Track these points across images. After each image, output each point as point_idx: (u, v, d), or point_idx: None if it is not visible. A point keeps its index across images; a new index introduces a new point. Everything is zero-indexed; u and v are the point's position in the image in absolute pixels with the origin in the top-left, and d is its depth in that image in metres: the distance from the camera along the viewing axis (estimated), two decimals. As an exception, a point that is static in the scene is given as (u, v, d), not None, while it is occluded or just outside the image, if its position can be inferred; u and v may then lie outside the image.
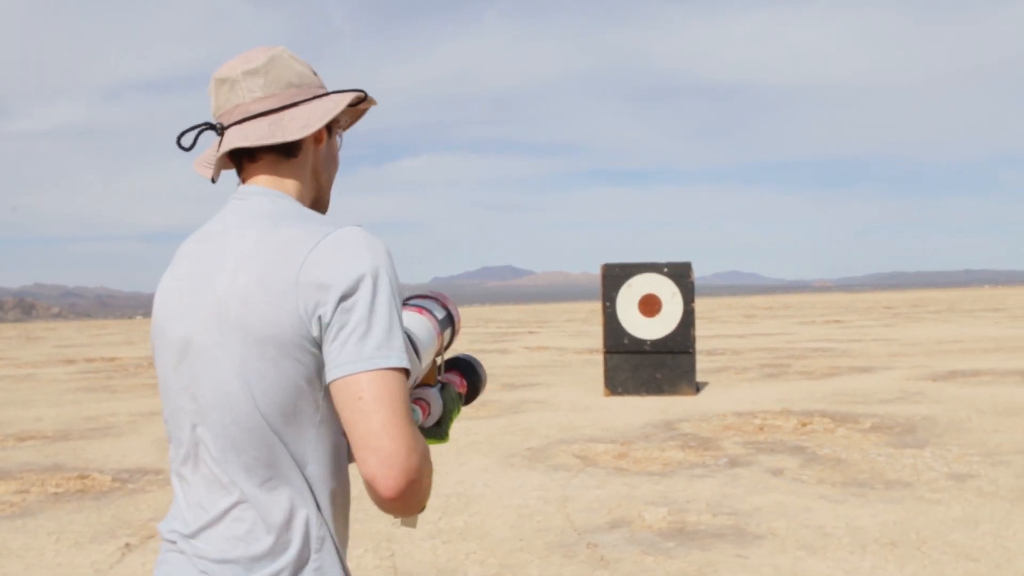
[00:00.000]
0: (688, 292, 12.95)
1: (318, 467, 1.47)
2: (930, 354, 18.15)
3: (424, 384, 1.71)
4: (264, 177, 1.56)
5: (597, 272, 13.62)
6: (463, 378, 1.81)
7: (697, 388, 12.96)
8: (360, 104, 1.67)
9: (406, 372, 1.40)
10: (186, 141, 1.57)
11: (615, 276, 13.16)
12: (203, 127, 1.58)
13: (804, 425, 9.49)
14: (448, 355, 1.89)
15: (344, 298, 1.38)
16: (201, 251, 1.53)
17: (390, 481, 1.34)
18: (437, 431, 1.69)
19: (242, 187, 1.57)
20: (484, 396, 12.88)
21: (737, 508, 6.26)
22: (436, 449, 8.76)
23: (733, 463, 7.72)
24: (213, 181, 1.60)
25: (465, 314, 71.68)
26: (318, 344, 1.41)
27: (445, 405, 1.70)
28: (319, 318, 1.39)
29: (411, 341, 1.59)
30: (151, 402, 13.80)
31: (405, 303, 1.73)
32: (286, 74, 1.56)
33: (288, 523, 1.45)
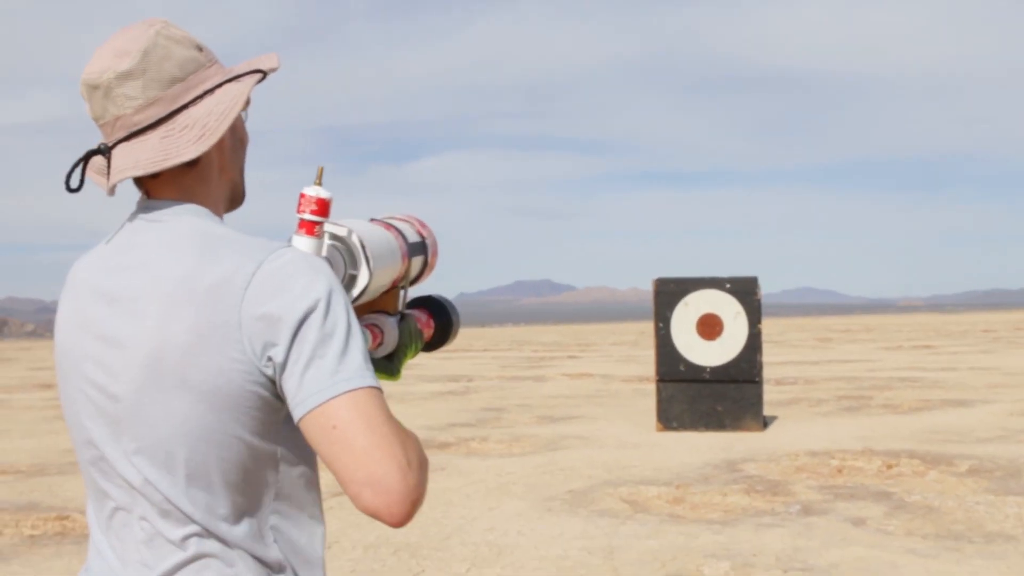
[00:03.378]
0: (754, 312, 12.91)
1: (281, 519, 1.53)
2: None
3: (381, 310, 1.77)
4: (171, 191, 1.57)
5: (647, 288, 13.62)
6: (431, 317, 1.86)
7: (764, 423, 12.90)
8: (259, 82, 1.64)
9: (379, 390, 1.44)
10: (74, 181, 1.56)
11: (670, 293, 13.14)
12: (87, 158, 1.57)
13: (889, 467, 9.43)
14: (420, 292, 1.94)
15: (297, 330, 1.40)
16: (114, 288, 1.53)
17: (393, 509, 1.37)
18: (388, 365, 1.75)
19: (150, 205, 1.56)
20: (518, 430, 12.91)
21: (811, 563, 6.22)
22: (463, 492, 8.78)
23: (807, 511, 7.68)
24: (111, 195, 1.57)
25: (496, 335, 71.80)
26: (272, 385, 1.45)
27: (401, 337, 1.76)
28: (269, 359, 1.42)
29: (363, 248, 1.66)
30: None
31: (374, 219, 1.79)
32: (166, 68, 1.52)
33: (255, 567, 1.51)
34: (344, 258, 1.67)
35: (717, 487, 8.71)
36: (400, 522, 1.38)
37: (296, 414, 1.41)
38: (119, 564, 1.54)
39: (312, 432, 1.40)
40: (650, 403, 14.51)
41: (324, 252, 1.65)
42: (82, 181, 1.57)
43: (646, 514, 7.73)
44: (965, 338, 43.45)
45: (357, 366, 1.42)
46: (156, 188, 1.57)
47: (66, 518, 8.10)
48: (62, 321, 1.61)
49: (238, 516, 1.50)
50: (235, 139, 1.64)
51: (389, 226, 1.80)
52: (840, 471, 9.34)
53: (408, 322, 1.79)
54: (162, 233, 1.52)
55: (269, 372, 1.43)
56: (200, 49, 1.57)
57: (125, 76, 1.51)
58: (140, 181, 1.59)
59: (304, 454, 1.55)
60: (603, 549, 6.69)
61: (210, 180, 1.60)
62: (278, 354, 1.41)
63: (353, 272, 1.67)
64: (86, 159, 1.57)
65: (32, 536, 7.56)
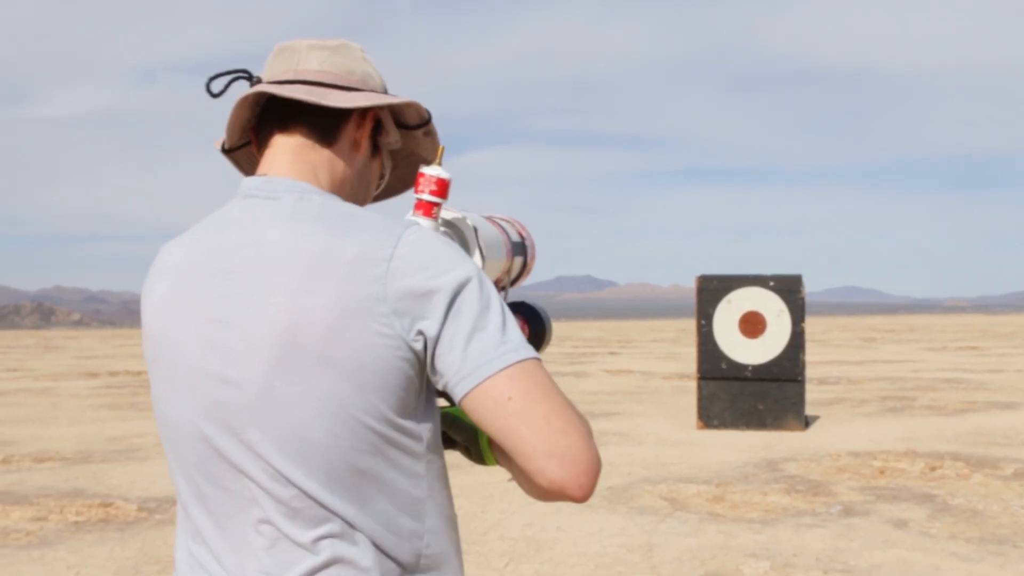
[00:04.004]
0: (798, 310, 12.83)
1: (421, 504, 1.43)
2: (1085, 389, 17.69)
3: None
4: (291, 163, 1.52)
5: (690, 285, 13.56)
6: (525, 323, 1.81)
7: (806, 422, 12.81)
8: (418, 128, 1.62)
9: (538, 360, 1.38)
10: (216, 87, 1.55)
11: (712, 290, 13.09)
12: (238, 74, 1.55)
13: (933, 469, 9.33)
14: (513, 297, 1.91)
15: (451, 302, 1.34)
16: (229, 265, 1.43)
17: (582, 480, 1.32)
18: None
19: (266, 182, 1.50)
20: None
21: (852, 565, 6.17)
22: (502, 487, 8.80)
23: (848, 512, 7.62)
24: (224, 150, 1.58)
25: (536, 330, 71.70)
26: (418, 363, 1.37)
27: None
28: (419, 332, 1.35)
29: (476, 237, 1.64)
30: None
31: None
32: (352, 63, 1.57)
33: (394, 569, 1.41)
34: (457, 244, 1.65)
35: (757, 486, 8.66)
36: (587, 495, 1.32)
37: (460, 389, 1.34)
38: None
39: (482, 406, 1.33)
40: (691, 400, 14.46)
41: (444, 234, 1.62)
42: (224, 89, 1.55)
43: (686, 512, 7.70)
44: (1012, 339, 42.91)
45: (520, 337, 1.36)
46: (281, 161, 1.52)
47: (110, 505, 8.21)
48: (157, 308, 1.49)
49: (379, 511, 1.39)
50: (367, 169, 1.60)
51: (494, 222, 1.77)
52: (883, 472, 9.26)
53: None
54: (281, 208, 1.45)
55: (418, 347, 1.35)
56: (382, 80, 1.62)
57: (318, 47, 1.56)
58: (262, 142, 1.56)
59: (438, 442, 1.47)
60: (642, 547, 6.68)
61: (337, 168, 1.54)
62: (430, 328, 1.34)
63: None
64: (236, 74, 1.56)
65: (76, 523, 7.67)
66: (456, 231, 1.65)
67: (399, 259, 1.35)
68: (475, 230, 1.64)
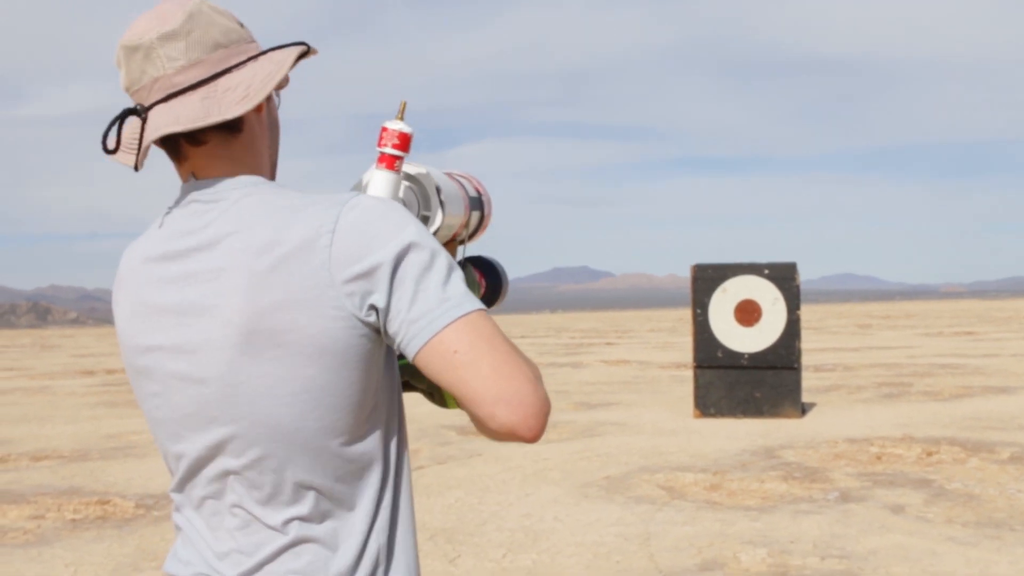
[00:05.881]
0: (793, 298, 12.84)
1: (383, 471, 1.51)
2: (1081, 372, 17.72)
3: None
4: (221, 164, 1.53)
5: (685, 275, 13.58)
6: (482, 276, 1.87)
7: (803, 409, 12.83)
8: (302, 57, 1.60)
9: (487, 311, 1.44)
10: (111, 142, 1.52)
11: (708, 279, 13.09)
12: (123, 116, 1.52)
13: (930, 455, 9.35)
14: (471, 251, 1.95)
15: (394, 272, 1.40)
16: (186, 271, 1.49)
17: (531, 422, 1.38)
18: None
19: (203, 183, 1.52)
20: (555, 417, 12.92)
21: (849, 550, 6.19)
22: (499, 478, 8.81)
23: (845, 498, 7.64)
24: (136, 169, 1.54)
25: (534, 322, 71.85)
26: (377, 335, 1.44)
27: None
28: (371, 307, 1.41)
29: (437, 191, 1.68)
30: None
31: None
32: (211, 33, 1.50)
33: (358, 545, 1.49)
34: (418, 199, 1.68)
35: (754, 474, 8.68)
36: (537, 435, 1.39)
37: (411, 349, 1.40)
38: (211, 554, 1.52)
39: (432, 362, 1.39)
40: (688, 390, 14.48)
41: (401, 190, 1.66)
42: (118, 142, 1.52)
43: (683, 500, 7.72)
44: (1009, 324, 42.97)
45: (463, 291, 1.42)
46: (205, 164, 1.53)
47: (107, 503, 8.21)
48: (125, 321, 1.57)
49: (347, 491, 1.48)
50: (271, 118, 1.61)
51: (452, 178, 1.80)
52: (879, 458, 9.28)
53: (468, 272, 1.80)
54: (227, 208, 1.49)
55: (372, 320, 1.41)
56: (241, 24, 1.55)
57: (169, 36, 1.48)
58: (183, 160, 1.54)
59: (401, 418, 1.56)
60: (639, 535, 6.69)
61: (258, 150, 1.57)
62: (379, 300, 1.40)
63: (426, 213, 1.68)
64: (122, 118, 1.52)
65: (74, 520, 7.68)
66: (418, 184, 1.69)
67: (339, 243, 1.40)
68: (437, 187, 1.69)
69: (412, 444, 9.37)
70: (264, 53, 1.54)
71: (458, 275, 1.43)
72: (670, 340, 35.97)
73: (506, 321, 71.10)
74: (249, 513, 1.49)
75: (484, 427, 1.41)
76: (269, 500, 1.47)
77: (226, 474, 1.49)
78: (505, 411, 1.37)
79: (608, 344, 34.47)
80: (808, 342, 27.31)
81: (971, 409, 12.77)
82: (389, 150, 1.62)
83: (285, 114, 1.68)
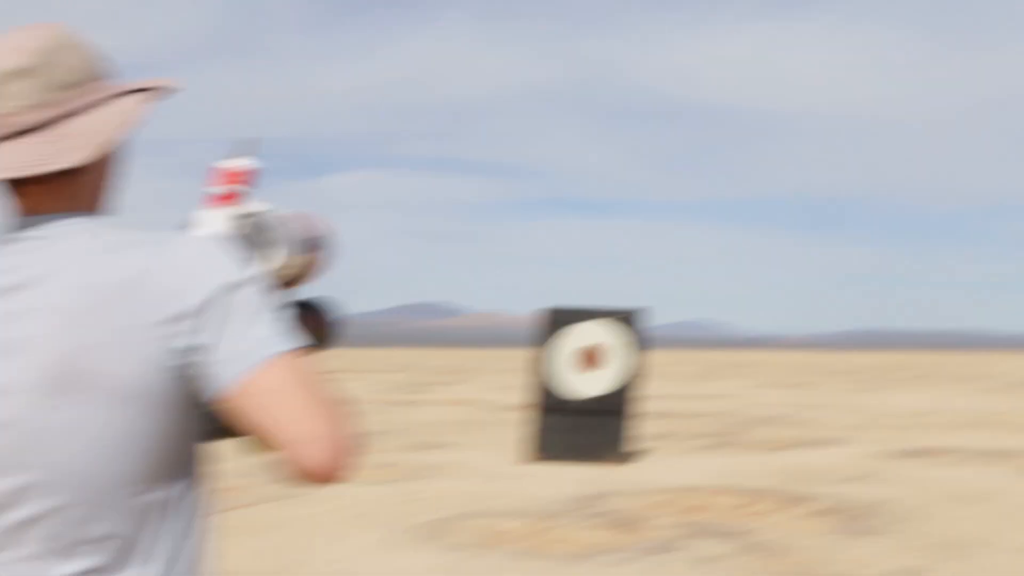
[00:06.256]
0: (637, 344, 13.01)
1: (188, 517, 1.48)
2: (901, 427, 18.42)
3: None
4: (56, 202, 1.48)
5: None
6: (311, 317, 1.83)
7: (635, 456, 12.97)
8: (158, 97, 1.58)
9: (302, 351, 1.43)
10: None
11: (552, 322, 13.20)
12: None
13: (747, 505, 9.53)
14: (310, 291, 1.93)
15: (209, 311, 1.37)
16: (3, 312, 1.42)
17: (339, 461, 1.38)
18: None
19: (34, 220, 1.47)
20: (385, 457, 12.76)
21: (655, 602, 6.21)
22: (317, 520, 8.63)
23: (661, 548, 7.70)
24: None
25: (381, 357, 71.33)
26: (190, 372, 1.40)
27: None
28: (188, 348, 1.38)
29: (276, 229, 1.67)
30: None
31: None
32: (62, 73, 1.46)
33: None
34: (249, 237, 1.65)
35: (577, 521, 8.69)
36: (342, 476, 1.39)
37: (220, 389, 1.37)
38: None
39: (242, 403, 1.37)
40: (525, 432, 14.51)
41: (231, 227, 1.64)
42: None
43: (500, 548, 7.66)
44: (845, 377, 44.56)
45: (278, 330, 1.40)
46: (41, 201, 1.47)
47: None
48: None
49: (150, 538, 1.43)
50: (117, 156, 1.56)
51: (293, 217, 1.77)
52: (700, 508, 9.41)
53: (291, 312, 1.76)
54: (52, 246, 1.43)
55: (184, 361, 1.38)
56: (99, 59, 1.51)
57: (16, 74, 1.43)
58: (20, 196, 1.48)
59: (211, 461, 1.54)
60: (450, 584, 6.60)
61: (99, 188, 1.52)
62: (197, 340, 1.37)
63: (256, 252, 1.65)
64: None
65: None
66: (249, 223, 1.67)
67: (154, 284, 1.37)
68: (268, 224, 1.67)
69: (231, 482, 9.10)
70: (115, 97, 1.49)
71: (276, 315, 1.42)
72: (516, 381, 36.14)
73: (354, 356, 70.45)
74: (45, 563, 1.40)
75: (290, 467, 1.38)
76: (68, 550, 1.40)
77: (24, 524, 1.40)
78: (315, 450, 1.36)
79: (452, 384, 34.42)
80: (651, 388, 27.82)
81: (793, 461, 13.10)
82: (217, 189, 1.62)
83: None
